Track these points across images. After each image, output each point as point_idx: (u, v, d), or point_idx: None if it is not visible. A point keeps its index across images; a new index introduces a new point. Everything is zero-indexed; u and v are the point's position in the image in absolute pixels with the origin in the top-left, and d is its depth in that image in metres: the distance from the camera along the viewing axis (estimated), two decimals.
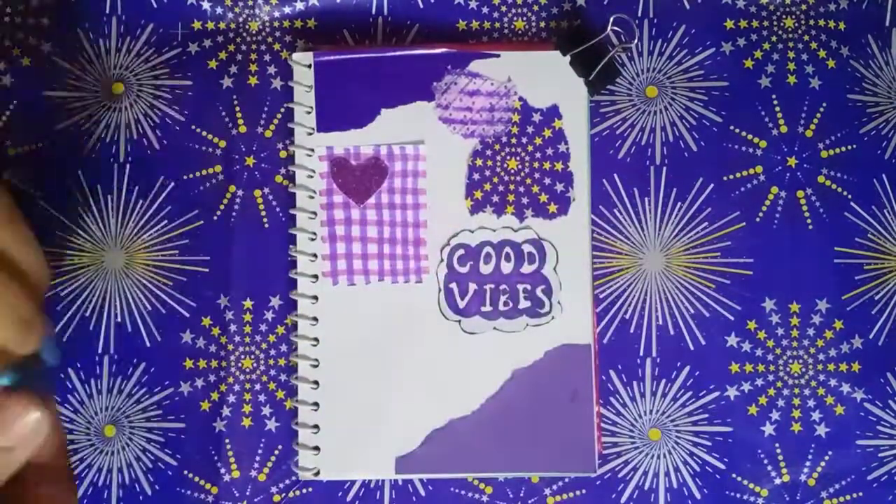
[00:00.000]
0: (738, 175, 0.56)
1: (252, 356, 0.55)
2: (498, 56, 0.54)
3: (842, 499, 0.56)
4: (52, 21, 0.55)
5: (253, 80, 0.55)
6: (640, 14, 0.56)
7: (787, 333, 0.55)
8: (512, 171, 0.54)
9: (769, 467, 0.55)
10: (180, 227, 0.55)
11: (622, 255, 0.56)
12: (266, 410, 0.55)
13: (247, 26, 0.56)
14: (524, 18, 0.56)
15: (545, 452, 0.54)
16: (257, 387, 0.55)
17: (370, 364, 0.54)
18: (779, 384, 0.55)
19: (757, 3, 0.56)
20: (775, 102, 0.56)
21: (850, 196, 0.56)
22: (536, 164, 0.54)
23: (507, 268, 0.54)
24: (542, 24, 0.56)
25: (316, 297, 0.54)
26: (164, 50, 0.56)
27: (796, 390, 0.55)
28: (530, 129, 0.54)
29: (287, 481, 0.55)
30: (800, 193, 0.56)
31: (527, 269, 0.54)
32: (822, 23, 0.56)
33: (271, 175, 0.55)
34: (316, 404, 0.54)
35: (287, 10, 0.56)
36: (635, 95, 0.56)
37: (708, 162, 0.56)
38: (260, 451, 0.55)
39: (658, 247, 0.56)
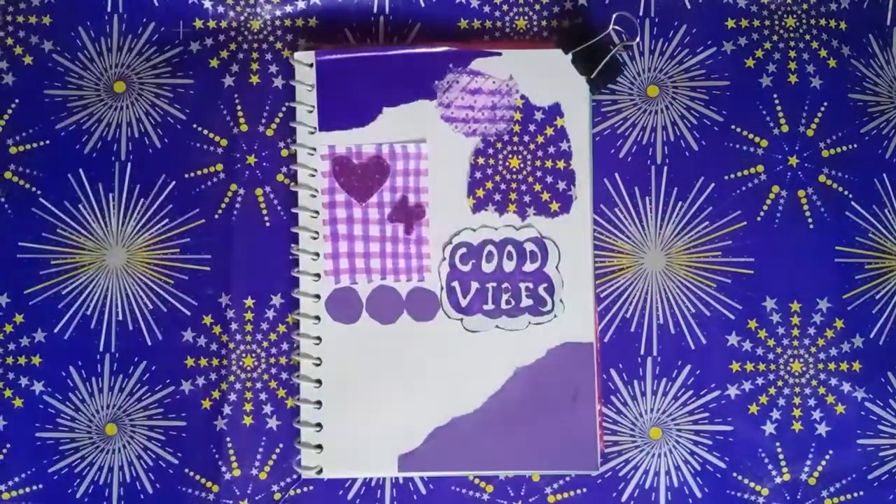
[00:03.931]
0: (739, 174, 0.56)
1: (253, 355, 0.55)
2: (500, 54, 0.54)
3: (842, 498, 0.56)
4: (54, 20, 0.55)
5: (254, 79, 0.55)
6: (641, 13, 0.56)
7: (788, 332, 0.56)
8: (514, 170, 0.54)
9: (770, 466, 0.55)
10: (181, 225, 0.55)
11: (623, 255, 0.56)
12: (267, 409, 0.55)
13: (248, 25, 0.56)
14: (526, 17, 0.56)
15: (547, 450, 0.54)
16: (258, 385, 0.55)
17: (373, 362, 0.54)
18: (779, 383, 0.55)
19: (758, 2, 0.56)
20: (776, 102, 0.56)
21: (850, 195, 0.56)
22: (538, 163, 0.54)
23: (509, 266, 0.54)
24: (544, 23, 0.56)
25: (318, 296, 0.54)
26: (165, 48, 0.56)
27: (797, 389, 0.55)
28: (532, 128, 0.54)
29: (288, 479, 0.55)
30: (801, 193, 0.56)
31: (529, 267, 0.54)
32: (823, 22, 0.56)
33: (273, 174, 0.55)
34: (318, 402, 0.54)
35: (288, 8, 0.56)
36: (636, 95, 0.56)
37: (709, 161, 0.56)
38: (261, 450, 0.55)
39: (659, 246, 0.56)
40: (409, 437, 0.54)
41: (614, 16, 0.54)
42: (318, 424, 0.54)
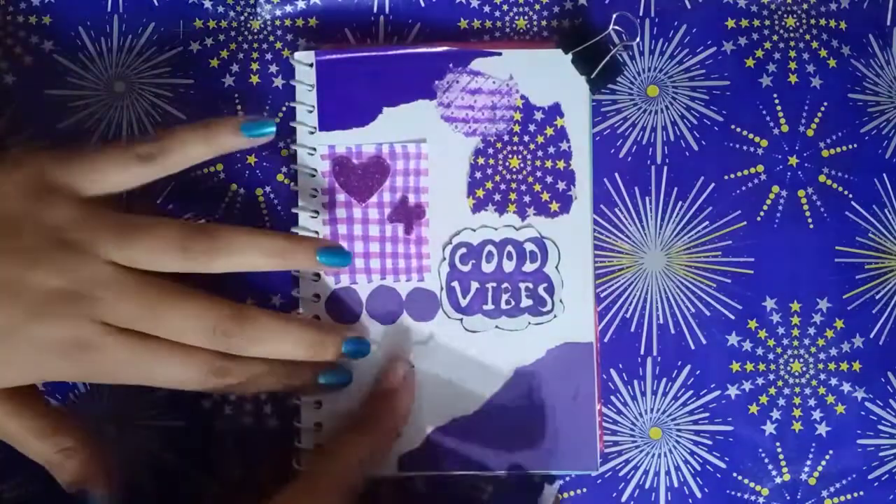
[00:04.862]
0: (739, 174, 0.56)
1: None
2: (500, 54, 0.54)
3: (842, 498, 0.56)
4: (54, 20, 0.55)
5: (254, 79, 0.55)
6: (641, 13, 0.56)
7: (788, 332, 0.56)
8: (514, 170, 0.54)
9: (770, 466, 0.56)
10: None
11: (623, 255, 0.56)
12: (267, 409, 0.55)
13: (248, 25, 0.56)
14: (525, 17, 0.56)
15: (547, 451, 0.54)
16: None
17: (372, 362, 0.54)
18: (779, 383, 0.56)
19: (758, 2, 0.56)
20: (776, 101, 0.56)
21: (850, 195, 0.56)
22: (538, 163, 0.54)
23: (508, 266, 0.54)
24: (544, 23, 0.56)
25: (318, 296, 0.54)
26: (165, 48, 0.56)
27: (797, 389, 0.56)
28: (532, 128, 0.54)
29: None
30: (801, 193, 0.56)
31: (529, 267, 0.54)
32: (823, 22, 0.56)
33: (273, 174, 0.55)
34: (318, 403, 0.54)
35: (289, 8, 0.56)
36: (636, 94, 0.56)
37: (709, 161, 0.56)
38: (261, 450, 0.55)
39: (659, 246, 0.56)
40: (409, 438, 0.53)
41: (614, 16, 0.54)
42: (318, 424, 0.53)
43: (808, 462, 0.56)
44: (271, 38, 0.56)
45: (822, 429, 0.56)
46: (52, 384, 0.54)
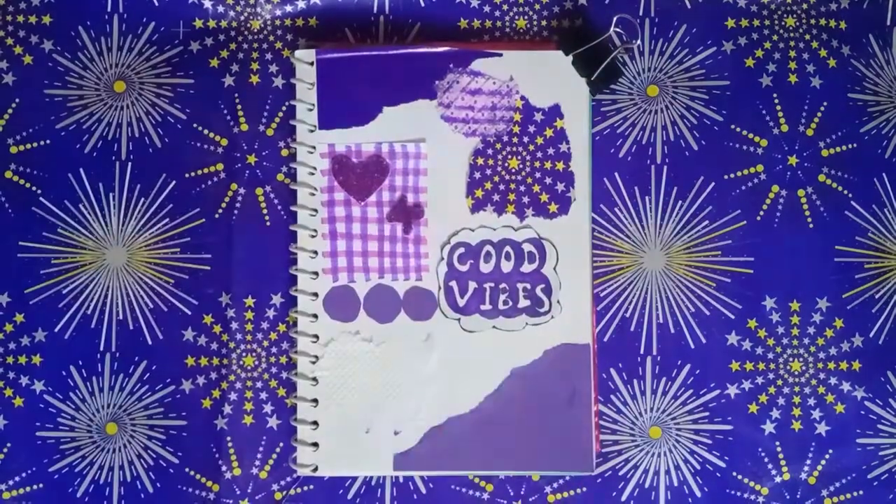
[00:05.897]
0: (738, 174, 0.56)
1: (253, 354, 0.55)
2: (500, 55, 0.54)
3: (842, 497, 0.56)
4: (54, 20, 0.55)
5: (254, 79, 0.56)
6: (641, 13, 0.56)
7: (788, 332, 0.55)
8: (513, 171, 0.54)
9: (770, 465, 0.55)
10: (181, 224, 0.55)
11: (623, 254, 0.56)
12: (267, 408, 0.55)
13: (248, 25, 0.56)
14: (525, 17, 0.56)
15: (543, 451, 0.54)
16: (258, 384, 0.55)
17: (369, 361, 0.54)
18: (779, 382, 0.55)
19: (758, 2, 0.56)
20: (776, 101, 0.56)
21: (850, 195, 0.56)
22: (537, 164, 0.54)
23: (507, 267, 0.54)
24: (544, 23, 0.56)
25: (316, 294, 0.54)
26: (165, 48, 0.56)
27: (797, 388, 0.56)
28: (532, 129, 0.54)
29: (288, 478, 0.55)
30: (800, 192, 0.56)
31: (527, 268, 0.54)
32: (822, 22, 0.56)
33: (273, 173, 0.55)
34: (315, 401, 0.54)
35: (288, 8, 0.56)
36: (636, 94, 0.56)
37: (709, 161, 0.56)
38: (261, 449, 0.55)
39: (659, 245, 0.56)
40: (405, 436, 0.54)
41: (615, 18, 0.54)
42: (315, 422, 0.54)
43: (808, 461, 0.56)
44: (271, 38, 0.56)
45: (822, 428, 0.56)
46: (52, 385, 0.55)
